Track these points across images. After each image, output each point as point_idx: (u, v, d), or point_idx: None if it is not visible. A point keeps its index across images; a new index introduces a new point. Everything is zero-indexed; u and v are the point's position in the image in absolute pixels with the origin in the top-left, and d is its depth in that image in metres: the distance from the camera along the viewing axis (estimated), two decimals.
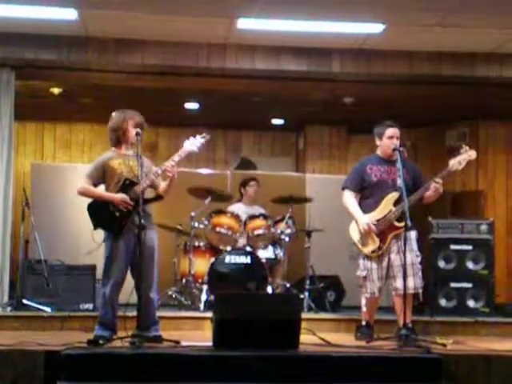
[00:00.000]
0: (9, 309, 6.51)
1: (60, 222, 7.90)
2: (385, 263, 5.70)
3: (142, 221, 4.95)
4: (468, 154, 5.61)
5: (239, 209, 7.63)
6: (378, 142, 5.87)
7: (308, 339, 5.23)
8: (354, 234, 5.79)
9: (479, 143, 9.51)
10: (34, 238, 7.01)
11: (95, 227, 5.24)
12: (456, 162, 5.60)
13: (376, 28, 6.59)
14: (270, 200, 7.62)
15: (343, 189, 5.89)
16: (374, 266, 5.72)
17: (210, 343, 4.86)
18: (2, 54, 6.89)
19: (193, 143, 5.26)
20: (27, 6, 6.17)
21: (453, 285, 7.09)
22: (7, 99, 7.02)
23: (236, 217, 7.36)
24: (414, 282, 5.61)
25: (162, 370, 4.51)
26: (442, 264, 7.13)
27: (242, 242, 7.32)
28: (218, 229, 7.28)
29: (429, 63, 7.25)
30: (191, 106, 9.54)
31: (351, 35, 6.80)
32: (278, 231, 7.34)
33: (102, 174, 5.29)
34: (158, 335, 5.18)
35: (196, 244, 7.40)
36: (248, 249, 7.19)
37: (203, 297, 6.99)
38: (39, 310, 6.42)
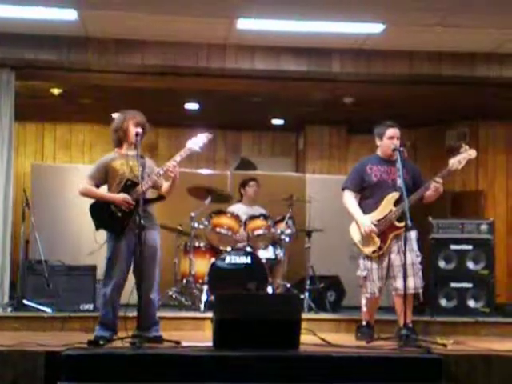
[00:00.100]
0: (9, 309, 6.51)
1: (60, 222, 7.90)
2: (385, 263, 5.70)
3: (143, 221, 4.96)
4: (468, 153, 5.61)
5: (239, 209, 7.63)
6: (378, 142, 5.87)
7: (308, 339, 5.23)
8: (355, 235, 5.79)
9: (479, 143, 9.51)
10: (34, 238, 7.01)
11: (97, 228, 5.24)
12: (456, 162, 5.60)
13: (376, 28, 6.59)
14: (270, 201, 7.63)
15: (343, 189, 5.89)
16: (375, 266, 5.72)
17: (210, 343, 4.86)
18: (1, 55, 6.89)
19: (195, 143, 5.24)
20: (27, 6, 6.17)
21: (453, 285, 7.09)
22: (7, 100, 7.02)
23: (236, 217, 7.36)
24: (415, 282, 5.61)
25: (163, 370, 4.50)
26: (442, 264, 7.13)
27: (242, 242, 7.32)
28: (218, 229, 7.28)
29: (429, 63, 7.25)
30: (191, 106, 9.54)
31: (351, 35, 6.80)
32: (278, 231, 7.34)
33: (103, 175, 5.29)
34: (159, 335, 5.18)
35: (196, 244, 7.40)
36: (248, 249, 7.18)
37: (203, 297, 6.99)
38: (39, 310, 6.42)
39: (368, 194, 5.80)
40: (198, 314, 6.69)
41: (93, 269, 6.78)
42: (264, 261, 7.15)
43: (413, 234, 5.70)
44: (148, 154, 5.57)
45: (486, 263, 7.11)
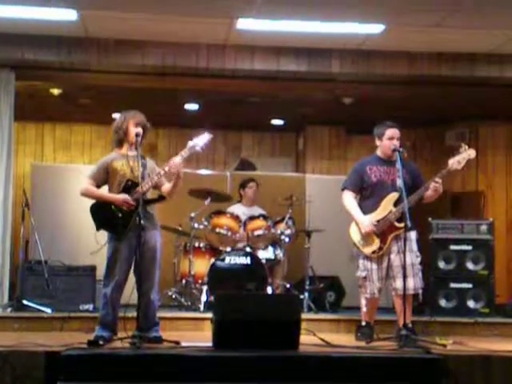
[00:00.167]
0: (9, 310, 6.51)
1: (60, 222, 7.89)
2: (385, 264, 5.71)
3: (143, 222, 4.96)
4: (467, 153, 5.61)
5: (239, 209, 7.64)
6: (377, 143, 5.87)
7: (308, 340, 5.24)
8: (355, 235, 5.79)
9: (479, 143, 9.52)
10: (33, 238, 7.00)
11: (98, 228, 5.24)
12: (455, 162, 5.60)
13: (376, 28, 6.59)
14: (269, 200, 7.64)
15: (343, 189, 5.89)
16: (374, 266, 5.72)
17: (209, 344, 4.86)
18: (1, 55, 6.88)
19: (196, 143, 5.23)
20: (27, 6, 6.17)
21: (453, 285, 7.09)
22: (7, 100, 7.02)
23: (236, 217, 7.36)
24: (414, 283, 5.62)
25: (162, 370, 4.50)
26: (441, 264, 7.13)
27: (241, 242, 7.32)
28: (217, 229, 7.28)
29: (428, 63, 7.25)
30: (191, 106, 9.54)
31: (351, 35, 6.80)
32: (278, 232, 7.34)
33: (104, 176, 5.29)
34: (158, 336, 5.18)
35: (196, 245, 7.40)
36: (248, 249, 7.18)
37: (203, 297, 7.00)
38: (39, 310, 6.42)
39: (368, 195, 5.81)
40: (197, 315, 6.69)
41: (92, 269, 6.78)
42: (264, 261, 7.15)
43: (412, 235, 5.70)
44: (148, 154, 5.56)
45: (485, 263, 7.11)
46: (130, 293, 5.08)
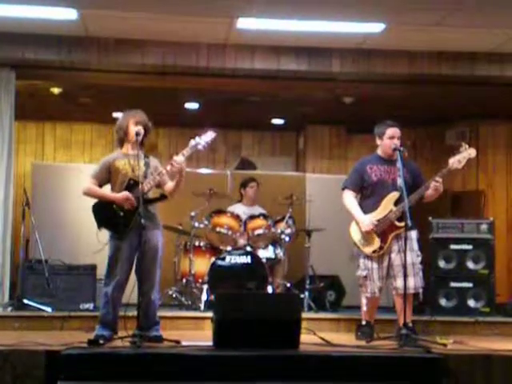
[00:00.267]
0: (9, 309, 6.51)
1: (60, 221, 7.89)
2: (385, 263, 5.71)
3: (144, 221, 4.96)
4: (468, 153, 5.61)
5: (239, 209, 7.64)
6: (378, 142, 5.86)
7: (308, 339, 5.23)
8: (355, 234, 5.78)
9: (479, 142, 9.51)
10: (34, 237, 7.00)
11: (99, 227, 5.25)
12: (456, 161, 5.59)
13: (376, 27, 6.59)
14: (269, 200, 7.64)
15: (343, 189, 5.89)
16: (375, 265, 5.72)
17: (210, 343, 4.86)
18: (2, 54, 6.88)
19: (199, 141, 5.22)
20: (27, 5, 6.17)
21: (453, 284, 7.09)
22: (7, 99, 7.02)
23: (236, 217, 7.36)
24: (415, 282, 5.62)
25: (163, 369, 4.51)
26: (442, 264, 7.13)
27: (242, 241, 7.32)
28: (218, 229, 7.28)
29: (429, 63, 7.25)
30: (191, 105, 9.54)
31: (351, 35, 6.79)
32: (278, 231, 7.34)
33: (106, 175, 5.30)
34: (159, 335, 5.18)
35: (196, 244, 7.40)
36: (248, 249, 7.18)
37: (203, 296, 7.00)
38: (39, 309, 6.42)
39: (368, 194, 5.81)
40: (198, 314, 6.69)
41: (93, 268, 6.78)
42: (264, 260, 7.15)
43: (413, 234, 5.70)
44: (150, 154, 5.56)
45: (485, 263, 7.11)
46: (130, 292, 5.09)
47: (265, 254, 7.37)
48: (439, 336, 5.78)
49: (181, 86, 8.07)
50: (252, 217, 7.40)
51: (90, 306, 6.68)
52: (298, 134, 10.86)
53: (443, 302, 7.07)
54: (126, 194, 5.16)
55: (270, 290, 7.04)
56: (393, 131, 5.77)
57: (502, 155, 9.71)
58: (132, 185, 5.18)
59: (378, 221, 5.66)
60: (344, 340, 5.47)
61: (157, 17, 6.39)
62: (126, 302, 5.20)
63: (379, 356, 4.84)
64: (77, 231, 7.66)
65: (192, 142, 5.20)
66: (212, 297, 6.77)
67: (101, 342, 4.93)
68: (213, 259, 7.12)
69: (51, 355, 4.53)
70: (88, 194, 5.30)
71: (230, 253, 7.10)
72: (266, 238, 7.40)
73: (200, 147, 5.21)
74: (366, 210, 5.75)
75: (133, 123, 5.28)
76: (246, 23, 6.50)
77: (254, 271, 7.02)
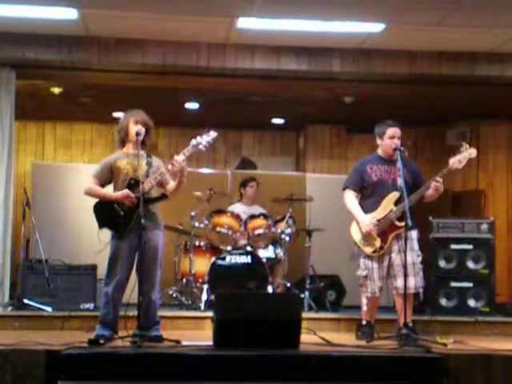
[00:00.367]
0: (9, 308, 6.51)
1: (61, 221, 7.88)
2: (386, 263, 5.71)
3: (144, 221, 4.96)
4: (468, 153, 5.60)
5: (239, 208, 7.64)
6: (378, 142, 5.86)
7: (308, 339, 5.24)
8: (355, 234, 5.78)
9: (480, 142, 9.50)
10: (34, 237, 7.00)
11: (100, 227, 5.25)
12: (456, 161, 5.59)
13: (376, 27, 6.59)
14: (270, 200, 7.63)
15: (344, 189, 5.89)
16: (375, 265, 5.72)
17: (210, 343, 4.86)
18: (2, 54, 6.88)
19: (200, 141, 5.22)
20: (28, 5, 6.17)
21: (453, 284, 7.09)
22: (8, 99, 7.02)
23: (236, 216, 7.36)
24: (415, 282, 5.62)
25: (163, 369, 4.51)
26: (442, 263, 7.13)
27: (242, 241, 7.32)
28: (218, 228, 7.28)
29: (429, 62, 7.25)
30: (191, 105, 9.54)
31: (351, 35, 6.79)
32: (279, 231, 7.34)
33: (108, 175, 5.31)
34: (159, 335, 5.18)
35: (196, 243, 7.40)
36: (248, 248, 7.18)
37: (204, 296, 7.00)
38: (40, 309, 6.42)
39: (368, 194, 5.81)
40: (198, 314, 6.69)
41: (93, 268, 6.78)
42: (264, 260, 7.15)
43: (413, 234, 5.70)
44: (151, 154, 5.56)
45: (486, 263, 7.11)
46: (130, 292, 5.09)
47: (265, 253, 7.37)
48: (439, 336, 5.78)
49: (181, 85, 8.07)
50: (252, 216, 7.40)
51: (91, 305, 6.68)
52: (298, 133, 10.86)
53: (443, 301, 7.07)
54: (126, 191, 5.17)
55: (270, 289, 7.04)
56: (393, 131, 5.77)
57: (502, 155, 9.71)
58: (133, 184, 5.19)
59: (379, 221, 5.66)
60: (344, 340, 5.47)
61: (157, 16, 6.40)
62: (127, 301, 5.20)
63: (379, 356, 4.84)
64: (77, 231, 7.67)
65: (193, 142, 5.20)
66: (212, 296, 6.77)
67: (101, 341, 4.93)
68: (213, 259, 7.12)
69: (51, 355, 4.54)
70: (89, 193, 5.31)
71: (230, 252, 7.10)
72: (266, 238, 7.40)
73: (201, 147, 5.20)
74: (367, 209, 5.74)
75: (133, 123, 5.29)
76: (247, 23, 6.50)
77: (255, 271, 7.02)
